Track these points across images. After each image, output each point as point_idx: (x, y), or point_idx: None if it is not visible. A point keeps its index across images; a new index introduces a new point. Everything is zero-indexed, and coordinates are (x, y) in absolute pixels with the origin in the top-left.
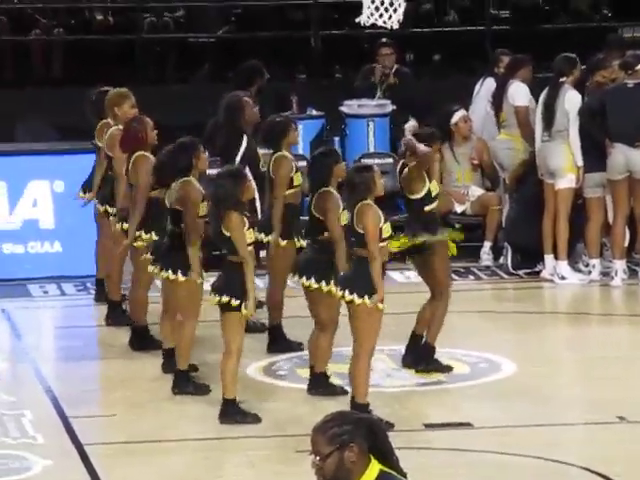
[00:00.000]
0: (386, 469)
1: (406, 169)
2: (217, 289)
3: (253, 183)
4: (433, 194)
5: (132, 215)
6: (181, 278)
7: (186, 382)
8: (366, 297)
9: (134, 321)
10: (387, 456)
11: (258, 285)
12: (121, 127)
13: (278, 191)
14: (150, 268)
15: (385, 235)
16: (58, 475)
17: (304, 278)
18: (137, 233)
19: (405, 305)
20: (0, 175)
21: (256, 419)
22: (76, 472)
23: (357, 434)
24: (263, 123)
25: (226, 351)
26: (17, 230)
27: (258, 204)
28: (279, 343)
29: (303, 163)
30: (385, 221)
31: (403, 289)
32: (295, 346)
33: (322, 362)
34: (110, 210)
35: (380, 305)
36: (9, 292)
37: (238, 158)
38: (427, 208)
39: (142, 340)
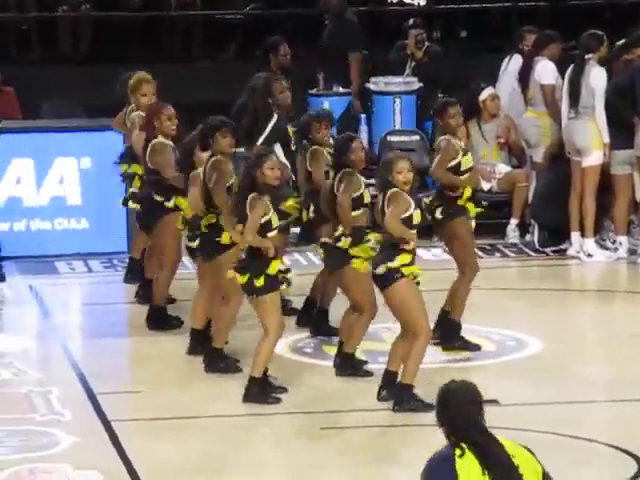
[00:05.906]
0: None
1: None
2: (240, 270)
3: (285, 164)
4: (462, 168)
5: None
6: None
7: (219, 360)
8: (381, 266)
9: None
10: None
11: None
12: (141, 113)
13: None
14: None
15: (415, 222)
16: (85, 451)
17: None
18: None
19: (432, 282)
20: (27, 152)
21: (277, 400)
22: (103, 448)
23: None
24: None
25: (264, 333)
26: (44, 207)
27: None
28: (308, 318)
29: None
30: (415, 207)
31: (430, 266)
32: (323, 329)
33: (352, 343)
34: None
35: (415, 269)
36: (36, 269)
37: (261, 139)
38: None
39: (158, 320)
